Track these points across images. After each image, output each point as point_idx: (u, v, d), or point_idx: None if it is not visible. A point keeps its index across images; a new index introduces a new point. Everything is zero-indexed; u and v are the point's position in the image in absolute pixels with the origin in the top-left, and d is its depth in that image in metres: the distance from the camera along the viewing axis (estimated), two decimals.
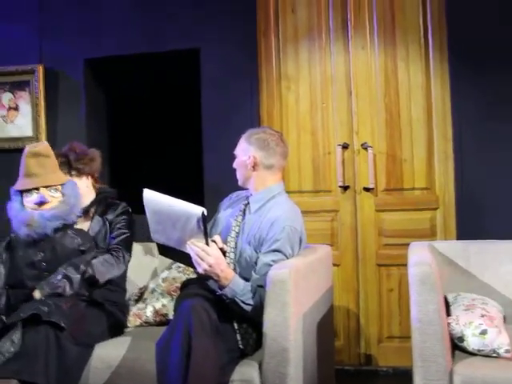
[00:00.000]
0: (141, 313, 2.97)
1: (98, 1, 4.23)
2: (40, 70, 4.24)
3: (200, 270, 2.36)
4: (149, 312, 2.96)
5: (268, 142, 2.63)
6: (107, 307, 2.82)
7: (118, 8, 4.18)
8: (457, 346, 2.41)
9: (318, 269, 2.83)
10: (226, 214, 2.75)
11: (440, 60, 3.73)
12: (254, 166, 2.64)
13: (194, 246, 2.33)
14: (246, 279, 2.51)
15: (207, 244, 2.35)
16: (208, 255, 2.33)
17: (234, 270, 2.56)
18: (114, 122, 4.49)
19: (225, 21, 3.95)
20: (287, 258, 2.51)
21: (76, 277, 2.66)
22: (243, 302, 2.42)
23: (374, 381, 3.62)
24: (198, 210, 2.24)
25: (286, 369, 2.34)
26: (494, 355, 2.33)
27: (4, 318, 2.58)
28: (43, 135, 4.26)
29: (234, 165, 2.73)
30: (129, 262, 2.94)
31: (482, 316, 2.43)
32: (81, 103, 4.24)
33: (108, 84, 4.39)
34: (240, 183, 2.73)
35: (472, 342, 2.35)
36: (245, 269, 2.55)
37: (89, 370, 2.61)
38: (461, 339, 2.38)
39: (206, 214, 2.24)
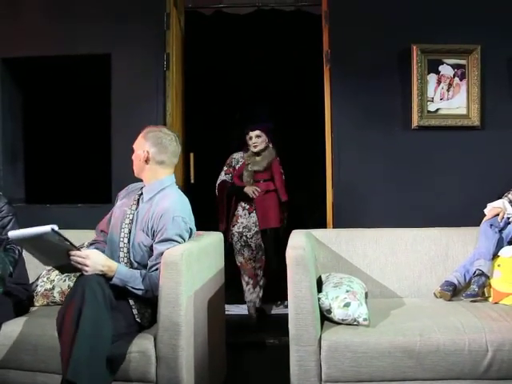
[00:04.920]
0: (48, 293, 2.91)
1: (16, 3, 4.08)
2: None
3: (86, 273, 2.36)
4: (56, 293, 2.91)
5: (162, 140, 2.64)
6: (11, 287, 2.74)
7: (36, 10, 4.05)
8: (326, 317, 2.54)
9: (210, 252, 2.88)
10: (121, 203, 2.74)
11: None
12: (147, 160, 2.64)
13: (72, 256, 2.35)
14: (139, 263, 2.55)
15: (77, 250, 2.37)
16: (83, 258, 2.35)
17: (128, 253, 2.57)
18: (29, 121, 4.33)
19: (134, 29, 3.93)
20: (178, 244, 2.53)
21: None
22: (133, 288, 2.45)
23: (260, 351, 3.76)
24: (47, 228, 2.22)
25: (178, 341, 2.39)
26: (355, 323, 2.48)
27: None
28: None
29: (132, 157, 2.73)
30: None
31: (347, 291, 2.57)
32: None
33: (25, 83, 4.23)
34: (135, 174, 2.74)
35: (337, 313, 2.49)
36: (138, 253, 2.57)
37: None
38: (329, 311, 2.51)
39: (56, 228, 2.24)
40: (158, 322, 2.41)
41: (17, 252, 2.80)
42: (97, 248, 2.70)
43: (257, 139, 4.35)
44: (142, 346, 2.39)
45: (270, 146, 4.41)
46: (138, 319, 2.47)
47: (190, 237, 2.62)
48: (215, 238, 3.00)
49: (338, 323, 2.51)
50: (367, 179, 3.80)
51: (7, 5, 4.07)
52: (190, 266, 2.47)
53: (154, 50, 3.91)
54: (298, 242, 2.60)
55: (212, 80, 4.59)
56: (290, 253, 2.47)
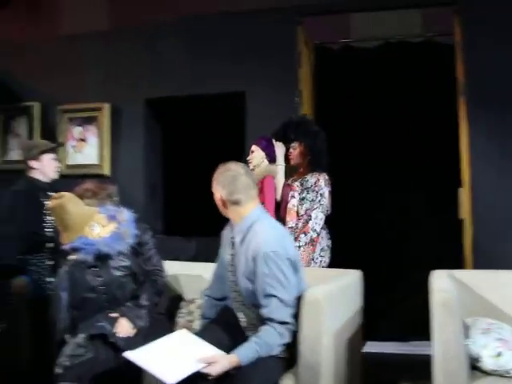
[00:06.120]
0: (189, 325, 2.98)
1: (156, 48, 4.38)
2: (106, 107, 4.39)
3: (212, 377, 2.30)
4: (196, 325, 2.94)
5: (230, 179, 2.47)
6: (160, 318, 2.87)
7: (174, 54, 4.33)
8: (473, 366, 2.39)
9: (350, 290, 2.83)
10: (223, 247, 2.70)
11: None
12: (224, 204, 2.51)
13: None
14: (256, 306, 2.45)
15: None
16: (210, 372, 2.26)
17: (242, 301, 2.52)
18: (167, 153, 4.59)
19: (267, 68, 4.05)
20: (282, 283, 2.37)
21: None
22: (266, 354, 2.34)
23: None
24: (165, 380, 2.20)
25: (318, 380, 2.35)
26: (508, 375, 2.30)
27: (68, 336, 2.70)
28: (107, 163, 4.39)
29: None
30: None
31: (498, 340, 2.40)
32: (140, 137, 4.36)
33: (164, 121, 4.50)
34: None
35: (488, 363, 2.33)
36: (249, 296, 2.48)
37: (144, 374, 2.66)
38: (477, 360, 2.36)
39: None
40: (299, 361, 2.39)
41: (161, 284, 2.92)
42: (206, 317, 2.73)
43: (251, 155, 3.85)
44: None
45: (265, 162, 3.82)
46: (281, 355, 2.42)
47: (293, 266, 2.45)
48: (354, 276, 2.95)
49: (486, 373, 2.35)
50: (507, 217, 3.58)
51: (148, 50, 4.38)
52: (331, 305, 2.44)
53: (287, 88, 4.03)
54: (443, 284, 2.48)
55: (343, 113, 4.58)
56: (436, 296, 2.35)
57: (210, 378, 2.27)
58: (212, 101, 4.22)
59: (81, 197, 2.86)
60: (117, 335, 2.63)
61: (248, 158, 3.88)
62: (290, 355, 2.44)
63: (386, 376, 3.84)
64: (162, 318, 2.96)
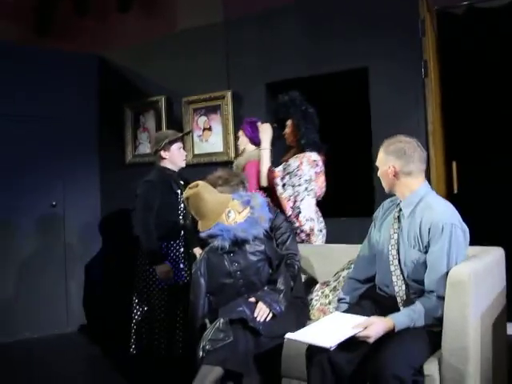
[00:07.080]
0: (325, 308, 2.97)
1: (273, 31, 4.36)
2: (228, 95, 4.46)
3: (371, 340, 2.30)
4: (332, 308, 2.92)
5: (404, 150, 2.47)
6: (296, 302, 2.88)
7: (292, 35, 4.29)
8: None
9: (493, 270, 2.66)
10: (381, 225, 2.63)
11: None
12: (395, 175, 2.49)
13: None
14: (416, 280, 2.42)
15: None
16: (367, 334, 2.28)
17: (402, 274, 2.47)
18: None
19: (389, 40, 3.88)
20: (452, 257, 2.34)
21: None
22: (420, 324, 2.32)
23: None
24: (327, 345, 2.24)
25: (466, 366, 2.24)
26: None
27: (207, 321, 2.80)
28: (231, 150, 4.47)
29: (378, 175, 2.59)
30: None
31: None
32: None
33: None
34: (387, 191, 2.59)
35: None
36: (413, 271, 2.44)
37: (282, 358, 2.71)
38: None
39: (334, 347, 2.23)
40: (443, 345, 2.28)
41: (296, 267, 2.92)
42: (345, 301, 2.72)
43: (238, 140, 3.99)
44: (426, 369, 2.28)
45: (248, 147, 3.87)
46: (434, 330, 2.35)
47: (466, 240, 2.41)
48: (497, 254, 2.76)
49: None
50: None
51: (265, 35, 4.38)
52: (477, 286, 2.31)
53: (411, 59, 3.82)
54: None
55: (471, 81, 4.28)
56: None
57: (369, 340, 2.28)
58: (333, 79, 4.13)
59: (213, 185, 2.93)
60: (256, 319, 2.68)
61: (237, 143, 4.02)
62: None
63: None
64: (298, 301, 2.95)
